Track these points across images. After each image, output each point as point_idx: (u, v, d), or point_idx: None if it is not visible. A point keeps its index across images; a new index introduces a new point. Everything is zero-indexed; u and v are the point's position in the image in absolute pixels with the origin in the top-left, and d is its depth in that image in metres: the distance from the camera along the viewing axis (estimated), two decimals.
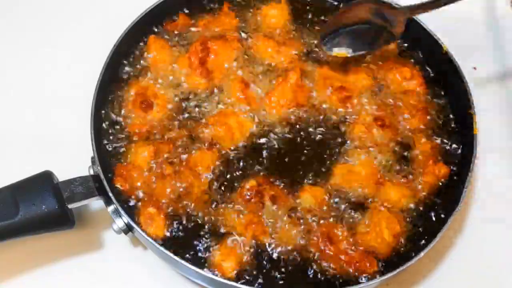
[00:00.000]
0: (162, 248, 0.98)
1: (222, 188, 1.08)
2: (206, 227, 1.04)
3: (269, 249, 1.02)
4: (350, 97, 1.15)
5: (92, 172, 1.06)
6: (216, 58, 1.17)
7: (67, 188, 1.02)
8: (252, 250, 1.02)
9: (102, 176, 1.02)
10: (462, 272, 1.12)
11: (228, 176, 1.09)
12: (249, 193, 1.05)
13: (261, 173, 1.08)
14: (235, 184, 1.08)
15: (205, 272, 0.97)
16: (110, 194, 1.01)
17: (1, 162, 1.19)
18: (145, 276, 1.11)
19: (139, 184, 1.06)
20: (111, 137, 1.12)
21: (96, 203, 1.08)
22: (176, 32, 1.22)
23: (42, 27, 1.37)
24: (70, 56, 1.33)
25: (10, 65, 1.33)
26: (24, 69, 1.32)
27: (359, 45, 1.12)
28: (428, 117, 1.15)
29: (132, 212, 1.04)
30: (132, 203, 1.05)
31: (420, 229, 1.06)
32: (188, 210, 1.05)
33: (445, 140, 1.14)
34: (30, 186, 1.01)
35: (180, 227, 1.04)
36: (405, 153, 1.11)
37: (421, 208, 1.07)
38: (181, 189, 1.06)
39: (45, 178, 1.03)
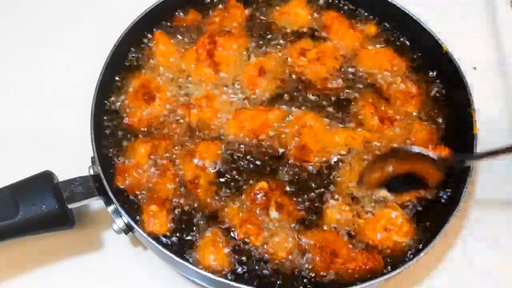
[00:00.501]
0: (162, 248, 0.98)
1: (228, 182, 1.08)
2: (208, 222, 1.04)
3: (260, 255, 1.02)
4: None
5: (92, 172, 1.06)
6: (224, 51, 1.18)
7: (67, 188, 1.02)
8: (243, 251, 1.02)
9: (102, 176, 1.02)
10: (462, 272, 1.12)
11: (234, 169, 1.09)
12: (257, 195, 1.04)
13: (270, 179, 1.07)
14: (242, 179, 1.08)
15: (205, 272, 0.97)
16: (110, 194, 1.01)
17: (1, 162, 1.19)
18: (145, 276, 1.11)
19: (140, 182, 1.06)
20: (111, 137, 1.12)
21: (96, 203, 1.08)
22: (181, 29, 1.23)
23: (42, 27, 1.37)
24: (70, 56, 1.33)
25: (10, 65, 1.33)
26: (24, 69, 1.32)
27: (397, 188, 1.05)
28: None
29: (134, 210, 1.04)
30: (134, 201, 1.05)
31: (421, 229, 1.05)
32: (192, 204, 1.05)
33: (445, 140, 1.14)
34: (30, 186, 1.01)
35: (183, 224, 1.04)
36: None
37: (421, 208, 1.07)
38: (186, 183, 1.06)
39: (45, 178, 1.03)
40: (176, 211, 1.05)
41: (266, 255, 1.01)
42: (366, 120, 1.13)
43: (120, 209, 1.01)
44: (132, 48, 1.20)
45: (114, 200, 1.01)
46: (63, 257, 1.11)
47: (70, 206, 1.01)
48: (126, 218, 1.02)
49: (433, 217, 1.06)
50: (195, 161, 1.08)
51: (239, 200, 1.05)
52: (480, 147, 1.09)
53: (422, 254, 1.00)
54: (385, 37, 1.25)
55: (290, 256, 1.01)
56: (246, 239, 1.02)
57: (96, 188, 1.03)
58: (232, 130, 1.11)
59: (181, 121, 1.13)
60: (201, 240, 1.02)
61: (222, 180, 1.08)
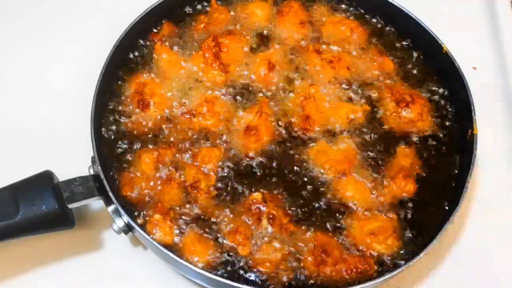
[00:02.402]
0: (162, 248, 0.98)
1: (229, 188, 1.07)
2: (199, 225, 1.04)
3: (246, 265, 1.01)
4: None
5: (92, 172, 1.06)
6: (229, 51, 1.18)
7: (67, 188, 1.02)
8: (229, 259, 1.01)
9: (102, 176, 1.02)
10: (462, 272, 1.12)
11: (235, 175, 1.08)
12: (251, 205, 1.04)
13: (266, 190, 1.07)
14: (242, 186, 1.07)
15: (205, 272, 0.97)
16: (110, 194, 1.01)
17: (1, 162, 1.20)
18: (145, 276, 1.11)
19: (146, 191, 1.05)
20: (111, 137, 1.11)
21: (96, 203, 1.08)
22: (177, 38, 1.22)
23: (43, 27, 1.38)
24: (70, 56, 1.33)
25: (10, 65, 1.33)
26: (24, 70, 1.32)
27: None
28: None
29: (140, 219, 1.04)
30: (140, 210, 1.05)
31: (420, 229, 1.05)
32: (194, 212, 1.04)
33: (445, 140, 1.14)
34: (30, 186, 1.01)
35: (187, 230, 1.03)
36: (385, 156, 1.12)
37: (421, 208, 1.07)
38: (188, 187, 1.05)
39: (45, 178, 1.03)
40: (180, 220, 1.04)
41: (253, 265, 1.00)
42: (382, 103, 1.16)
43: (120, 209, 1.01)
44: (131, 52, 1.20)
45: (114, 200, 1.01)
46: (63, 257, 1.12)
47: (70, 206, 1.01)
48: (126, 218, 1.02)
49: (433, 217, 1.06)
50: (198, 166, 1.07)
51: (233, 207, 1.05)
52: (480, 147, 1.09)
53: (422, 254, 0.99)
54: (385, 39, 1.26)
55: (277, 267, 1.00)
56: (233, 248, 1.01)
57: (96, 188, 1.03)
58: (251, 146, 1.10)
59: (185, 128, 1.12)
60: (188, 239, 1.02)
61: (221, 185, 1.07)
